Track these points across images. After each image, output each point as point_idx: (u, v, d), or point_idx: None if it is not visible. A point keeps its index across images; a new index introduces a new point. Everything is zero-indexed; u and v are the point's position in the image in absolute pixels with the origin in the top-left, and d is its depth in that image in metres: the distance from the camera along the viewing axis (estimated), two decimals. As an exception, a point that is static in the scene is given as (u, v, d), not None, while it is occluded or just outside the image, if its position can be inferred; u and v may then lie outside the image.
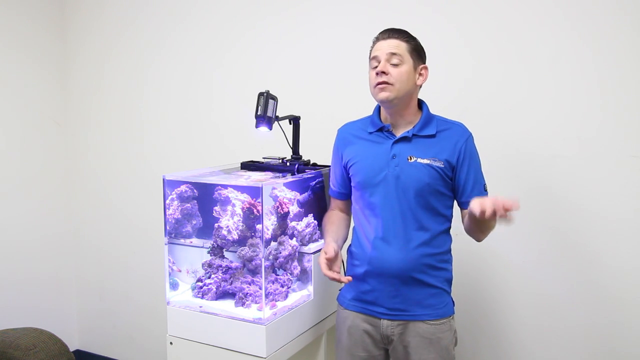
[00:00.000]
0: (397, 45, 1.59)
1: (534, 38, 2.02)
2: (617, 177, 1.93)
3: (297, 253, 1.83)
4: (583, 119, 1.97)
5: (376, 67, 1.60)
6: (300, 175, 1.90)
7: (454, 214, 1.70)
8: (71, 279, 3.15)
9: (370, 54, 1.66)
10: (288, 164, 2.00)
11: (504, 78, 2.08)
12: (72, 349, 3.09)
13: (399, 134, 1.65)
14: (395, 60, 1.58)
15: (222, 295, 1.80)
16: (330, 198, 1.86)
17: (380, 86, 1.59)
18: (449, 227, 1.69)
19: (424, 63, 1.66)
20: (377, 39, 1.64)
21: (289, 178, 1.87)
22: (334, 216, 1.82)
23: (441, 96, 2.05)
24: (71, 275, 3.15)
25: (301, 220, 1.88)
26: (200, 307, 1.76)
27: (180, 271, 1.89)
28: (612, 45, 1.91)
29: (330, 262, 1.60)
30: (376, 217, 1.65)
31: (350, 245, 1.78)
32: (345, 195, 1.80)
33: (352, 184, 1.73)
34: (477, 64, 2.11)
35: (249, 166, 2.05)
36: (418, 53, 1.63)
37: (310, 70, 2.43)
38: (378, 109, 1.72)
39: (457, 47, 2.13)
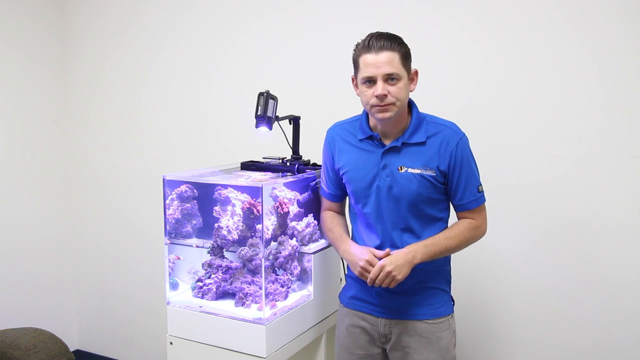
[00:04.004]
0: (391, 61, 1.50)
1: (534, 39, 2.02)
2: (617, 177, 1.93)
3: (297, 253, 1.83)
4: (583, 119, 1.97)
5: (368, 82, 1.52)
6: (300, 175, 1.90)
7: (450, 213, 1.69)
8: (71, 279, 3.15)
9: (357, 63, 1.55)
10: (288, 164, 2.00)
11: (503, 78, 2.08)
12: (72, 349, 3.10)
13: (389, 142, 1.61)
14: (393, 79, 1.51)
15: (222, 295, 1.80)
16: (322, 198, 1.83)
17: (380, 107, 1.52)
18: (446, 228, 1.66)
19: (411, 66, 1.58)
20: (367, 49, 1.51)
21: (289, 178, 1.86)
22: (336, 218, 1.78)
23: (443, 99, 2.05)
24: (71, 275, 3.15)
25: (301, 220, 1.88)
26: (200, 307, 1.76)
27: (179, 259, 1.89)
28: (612, 45, 1.91)
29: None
30: (371, 227, 1.64)
31: None
32: (339, 197, 1.77)
33: (347, 191, 1.71)
34: (477, 65, 2.11)
35: (249, 166, 2.05)
36: (408, 59, 1.55)
37: (310, 70, 2.43)
38: (366, 113, 1.66)
39: (458, 47, 2.13)
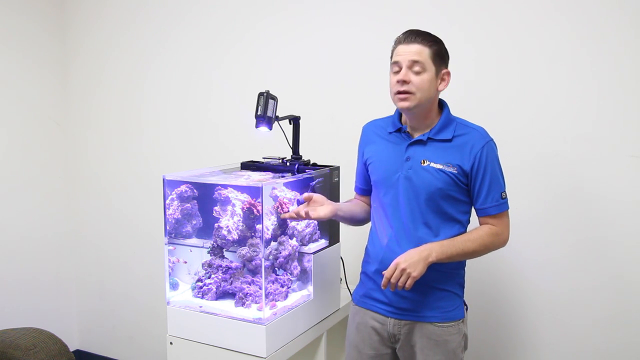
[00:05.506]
0: (420, 52, 1.54)
1: (533, 38, 2.02)
2: (617, 177, 1.93)
3: (297, 253, 1.83)
4: (583, 119, 1.97)
5: (397, 72, 1.57)
6: (300, 175, 1.90)
7: (471, 219, 1.67)
8: (71, 279, 3.15)
9: (391, 56, 1.61)
10: (288, 164, 2.00)
11: (503, 78, 2.08)
12: (72, 349, 3.09)
13: (416, 136, 1.64)
14: (417, 68, 1.54)
15: (222, 295, 1.80)
16: (355, 194, 1.88)
17: (400, 95, 1.56)
18: (464, 232, 1.64)
19: (447, 67, 1.60)
20: (399, 41, 1.58)
21: (289, 178, 1.87)
22: (353, 200, 1.85)
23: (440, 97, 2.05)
24: (71, 275, 3.15)
25: (301, 220, 1.87)
26: (200, 307, 1.76)
27: (186, 263, 1.89)
28: (612, 45, 1.91)
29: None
30: (388, 218, 1.65)
31: (367, 243, 1.78)
32: (367, 192, 1.81)
33: (371, 182, 1.74)
34: (476, 64, 2.11)
35: (249, 166, 2.05)
36: (441, 58, 1.58)
37: (310, 70, 2.43)
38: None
39: (457, 46, 2.12)
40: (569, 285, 2.03)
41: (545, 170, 2.04)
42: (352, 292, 1.83)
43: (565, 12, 1.96)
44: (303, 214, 1.64)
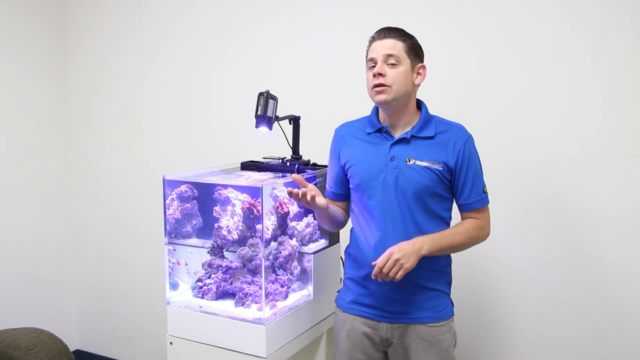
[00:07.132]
0: (394, 45, 1.57)
1: (534, 38, 2.02)
2: (617, 177, 1.93)
3: (297, 253, 1.83)
4: (583, 119, 1.97)
5: (373, 67, 1.59)
6: (300, 175, 1.90)
7: (453, 215, 1.69)
8: (71, 279, 3.15)
9: (366, 54, 1.64)
10: (288, 164, 2.00)
11: (505, 79, 2.08)
12: (72, 349, 3.09)
13: (398, 135, 1.64)
14: (392, 61, 1.57)
15: (222, 295, 1.80)
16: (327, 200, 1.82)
17: (377, 89, 1.57)
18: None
19: (422, 62, 1.64)
20: (373, 38, 1.62)
21: (289, 178, 1.87)
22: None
23: (442, 97, 2.05)
24: (71, 275, 3.15)
25: (301, 220, 1.88)
26: (200, 307, 1.76)
27: (179, 264, 1.90)
28: (612, 45, 1.91)
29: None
30: (375, 219, 1.63)
31: (347, 246, 1.76)
32: (342, 197, 1.77)
33: (351, 186, 1.71)
34: (478, 65, 2.11)
35: (249, 166, 2.05)
36: (415, 52, 1.61)
37: (310, 70, 2.43)
38: (376, 109, 1.70)
39: (458, 47, 2.14)
40: (567, 285, 2.03)
41: (544, 171, 2.04)
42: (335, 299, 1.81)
43: (567, 13, 1.96)
44: (308, 198, 1.56)
